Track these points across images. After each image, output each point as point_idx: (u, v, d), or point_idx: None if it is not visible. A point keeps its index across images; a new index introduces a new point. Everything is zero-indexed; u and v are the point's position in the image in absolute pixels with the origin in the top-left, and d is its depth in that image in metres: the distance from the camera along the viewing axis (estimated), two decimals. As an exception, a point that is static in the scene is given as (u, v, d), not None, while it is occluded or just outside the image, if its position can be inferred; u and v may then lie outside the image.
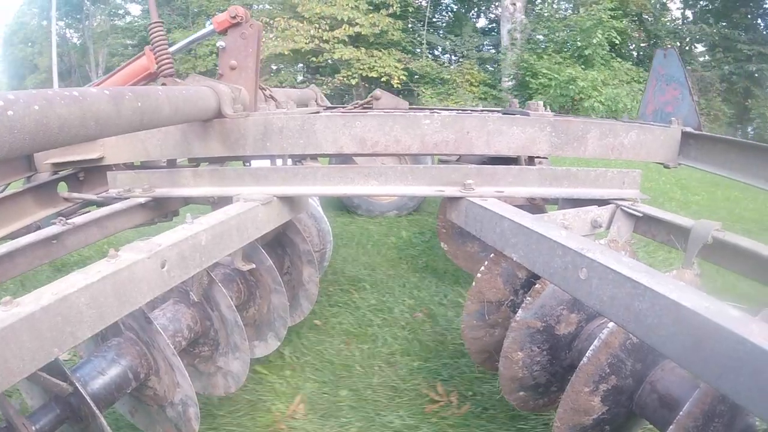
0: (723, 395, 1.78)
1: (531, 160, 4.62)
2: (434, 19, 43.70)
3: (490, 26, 46.69)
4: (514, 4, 35.12)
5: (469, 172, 3.72)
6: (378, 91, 5.50)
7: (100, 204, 4.26)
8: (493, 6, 45.65)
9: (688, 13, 42.96)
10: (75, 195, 4.49)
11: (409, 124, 3.81)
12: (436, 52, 42.53)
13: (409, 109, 5.39)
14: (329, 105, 7.37)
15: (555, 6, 40.51)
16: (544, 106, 5.48)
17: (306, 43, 33.69)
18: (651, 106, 5.25)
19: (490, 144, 3.87)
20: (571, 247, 2.49)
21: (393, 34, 35.36)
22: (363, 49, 34.64)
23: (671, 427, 2.35)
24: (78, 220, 3.75)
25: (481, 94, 34.96)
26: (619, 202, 3.74)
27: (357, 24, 33.33)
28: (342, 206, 10.70)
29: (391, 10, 34.64)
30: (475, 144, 3.86)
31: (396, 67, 34.91)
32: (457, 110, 5.68)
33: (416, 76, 36.93)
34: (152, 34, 4.71)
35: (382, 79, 35.17)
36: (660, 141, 4.16)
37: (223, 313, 3.60)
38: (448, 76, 36.24)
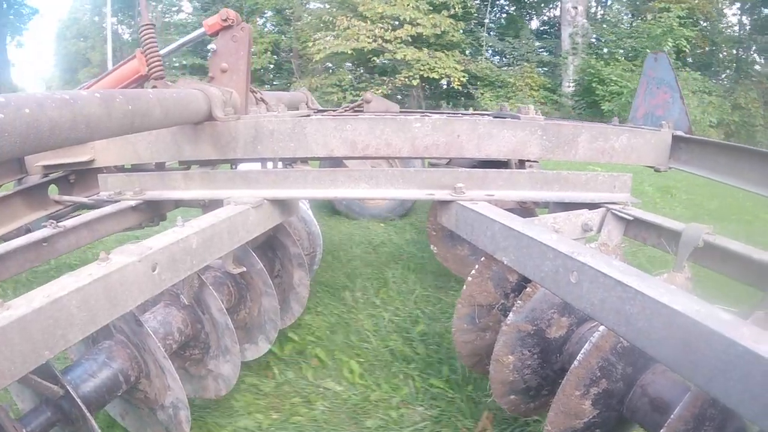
0: (714, 398, 1.78)
1: (522, 164, 4.62)
2: (488, 21, 43.12)
3: (543, 29, 46.37)
4: (576, 8, 34.95)
5: (459, 176, 3.72)
6: (369, 94, 5.50)
7: (90, 207, 4.26)
8: (547, 9, 45.51)
9: (745, 19, 42.03)
10: (66, 198, 4.49)
11: (400, 127, 3.81)
12: (492, 54, 42.04)
13: (400, 112, 5.40)
14: (320, 108, 7.37)
15: (614, 11, 40.28)
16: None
17: (369, 43, 33.32)
18: (642, 109, 5.27)
19: (480, 147, 3.88)
20: (561, 250, 2.50)
21: (453, 36, 34.95)
22: (425, 50, 34.28)
23: (662, 430, 2.35)
24: (68, 223, 3.74)
25: (541, 98, 34.69)
26: (610, 206, 3.75)
27: (419, 24, 32.91)
28: (331, 209, 10.64)
29: (452, 11, 34.31)
30: (466, 147, 3.87)
31: (456, 69, 34.59)
32: (448, 113, 5.68)
33: (476, 78, 36.42)
34: (143, 36, 4.70)
35: (442, 81, 35.05)
36: (651, 144, 4.17)
37: (214, 316, 3.59)
38: (510, 79, 35.77)
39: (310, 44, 35.57)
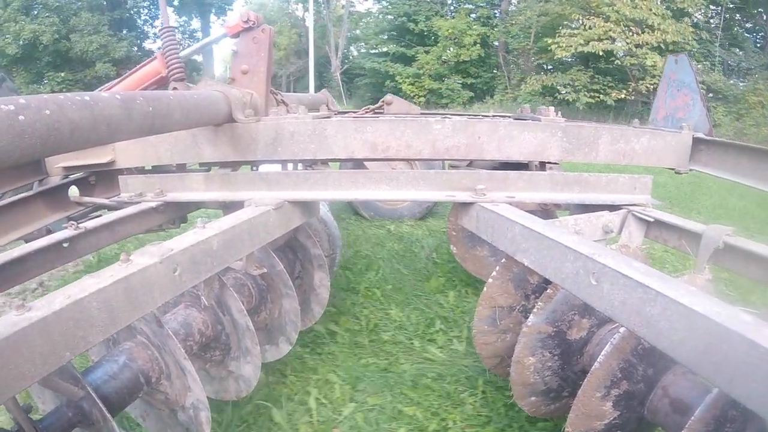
0: (735, 400, 1.78)
1: (542, 165, 4.62)
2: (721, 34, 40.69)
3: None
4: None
5: (480, 177, 3.72)
6: (389, 96, 5.51)
7: (111, 208, 4.27)
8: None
9: None
10: (86, 199, 4.51)
11: (421, 128, 3.81)
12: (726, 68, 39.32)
13: (421, 114, 5.40)
14: (340, 110, 7.37)
15: None
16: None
17: (621, 46, 32.65)
18: (662, 111, 5.25)
19: (501, 149, 3.87)
20: (582, 252, 2.50)
21: (690, 45, 33.26)
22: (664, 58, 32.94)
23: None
24: (89, 224, 3.76)
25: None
26: (631, 208, 3.74)
27: (666, 31, 31.83)
28: (351, 210, 10.66)
29: (694, 20, 33.27)
30: (486, 149, 3.86)
31: (691, 80, 33.12)
32: (468, 115, 5.68)
33: (708, 91, 34.03)
34: (164, 39, 4.73)
35: (679, 90, 34.19)
36: (671, 146, 4.16)
37: (235, 318, 3.60)
38: (746, 95, 33.13)
39: (549, 40, 34.76)
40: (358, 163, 6.37)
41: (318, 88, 26.96)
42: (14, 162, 1.92)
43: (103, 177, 4.74)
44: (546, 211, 5.06)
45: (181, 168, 4.71)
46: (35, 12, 46.15)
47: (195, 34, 62.54)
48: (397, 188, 3.76)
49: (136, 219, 4.07)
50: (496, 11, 46.75)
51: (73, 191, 4.56)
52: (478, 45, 43.51)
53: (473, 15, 46.85)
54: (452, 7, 50.33)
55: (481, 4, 47.28)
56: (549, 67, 40.83)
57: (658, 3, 32.55)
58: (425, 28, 47.89)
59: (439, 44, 45.32)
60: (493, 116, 6.28)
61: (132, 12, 55.80)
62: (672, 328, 1.97)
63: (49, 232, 4.12)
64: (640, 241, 3.73)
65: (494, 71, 46.65)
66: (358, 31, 59.94)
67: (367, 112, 5.58)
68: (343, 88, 54.56)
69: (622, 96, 33.12)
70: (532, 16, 39.25)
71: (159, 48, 5.06)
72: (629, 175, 3.90)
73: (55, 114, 2.04)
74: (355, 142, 3.84)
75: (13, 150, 1.87)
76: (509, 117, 5.77)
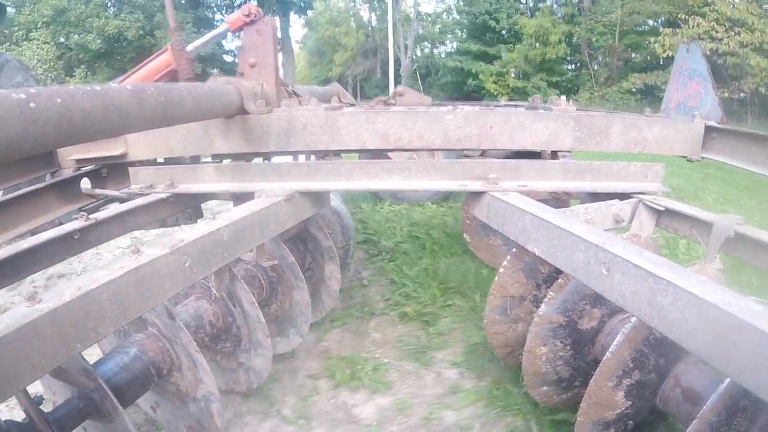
0: (746, 390, 1.77)
1: (554, 155, 4.61)
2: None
3: None
4: None
5: (492, 166, 3.72)
6: (401, 87, 5.50)
7: (122, 200, 4.28)
8: None
9: None
10: (97, 191, 4.52)
11: (432, 119, 3.80)
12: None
13: (432, 104, 5.39)
14: (352, 102, 7.36)
15: None
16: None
17: (725, 45, 31.23)
18: (674, 100, 5.22)
19: (513, 139, 3.86)
20: (593, 241, 2.50)
21: None
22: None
23: (694, 421, 2.34)
24: (100, 215, 3.78)
25: None
26: (641, 196, 3.73)
27: (762, 31, 30.55)
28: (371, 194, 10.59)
29: None
30: (498, 139, 3.85)
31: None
32: (480, 105, 5.66)
33: None
34: (172, 40, 4.75)
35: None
36: (683, 135, 4.14)
37: (246, 310, 3.61)
38: None
39: (652, 39, 34.08)
40: (378, 155, 6.35)
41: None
42: (28, 151, 1.93)
43: (115, 169, 4.75)
44: (557, 200, 5.05)
45: (194, 160, 4.71)
46: (112, 8, 46.27)
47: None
48: (409, 178, 3.76)
49: (147, 210, 4.09)
50: (578, 9, 46.48)
51: (85, 183, 4.57)
52: (564, 43, 43.56)
53: (557, 13, 46.87)
54: (529, 5, 50.38)
55: (563, 2, 47.13)
56: (643, 65, 40.28)
57: (754, 3, 31.82)
58: (506, 26, 47.88)
59: (524, 42, 45.23)
60: (505, 105, 6.26)
61: (208, 12, 56.35)
62: (683, 318, 1.97)
63: (60, 224, 4.13)
64: (651, 230, 3.72)
65: (579, 69, 46.61)
66: (421, 30, 59.68)
67: (379, 104, 5.58)
68: (422, 87, 54.68)
69: (725, 95, 32.52)
70: (620, 15, 39.01)
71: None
72: (641, 163, 3.89)
73: (66, 102, 2.05)
74: (367, 133, 3.84)
75: (26, 138, 1.89)
76: (521, 107, 5.76)
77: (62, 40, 46.66)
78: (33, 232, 3.78)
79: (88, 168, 4.64)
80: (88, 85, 2.23)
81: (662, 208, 3.59)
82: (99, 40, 45.29)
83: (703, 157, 4.24)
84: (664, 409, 2.92)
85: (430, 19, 61.64)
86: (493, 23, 48.25)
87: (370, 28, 64.13)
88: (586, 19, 44.06)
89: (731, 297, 1.85)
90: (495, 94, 44.24)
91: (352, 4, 68.85)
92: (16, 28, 45.03)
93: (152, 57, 5.81)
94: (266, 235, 3.43)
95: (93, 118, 2.19)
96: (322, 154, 4.94)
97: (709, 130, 4.17)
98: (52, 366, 1.96)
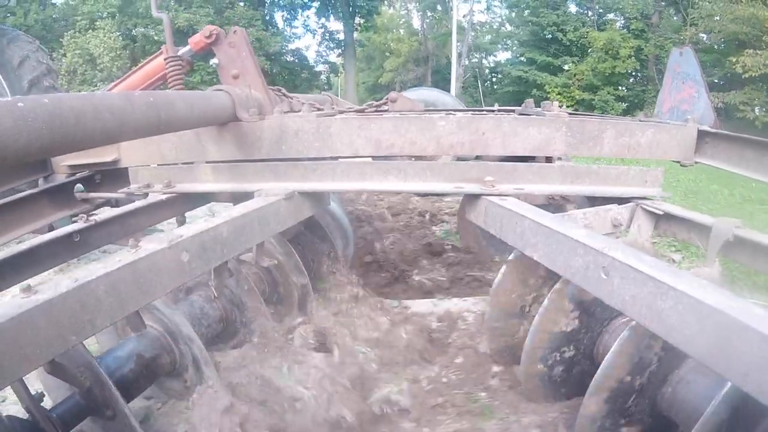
0: (748, 395, 1.77)
1: (548, 160, 4.61)
2: None
3: None
4: None
5: (488, 169, 3.73)
6: (393, 94, 5.50)
7: (118, 203, 4.29)
8: None
9: None
10: (93, 194, 4.53)
11: (425, 125, 3.81)
12: None
13: (425, 110, 5.39)
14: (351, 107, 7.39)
15: None
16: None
17: None
18: (667, 104, 5.24)
19: (505, 145, 3.86)
20: (592, 246, 2.49)
21: None
22: None
23: (696, 426, 2.34)
24: (100, 216, 3.80)
25: None
26: (640, 201, 3.74)
27: None
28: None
29: None
30: (491, 145, 3.85)
31: None
32: (473, 111, 5.66)
33: None
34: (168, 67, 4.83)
35: None
36: (676, 139, 4.14)
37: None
38: None
39: (733, 59, 34.04)
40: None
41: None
42: (23, 147, 1.96)
43: (108, 176, 4.76)
44: (555, 205, 5.06)
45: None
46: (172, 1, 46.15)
47: (336, 35, 62.68)
48: (405, 179, 3.78)
49: (147, 211, 4.11)
50: (647, 24, 46.69)
51: (80, 188, 4.57)
52: (633, 57, 43.91)
53: (625, 27, 47.42)
54: (594, 18, 50.65)
55: (633, 16, 47.25)
56: (720, 83, 40.23)
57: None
58: (574, 38, 48.14)
59: (593, 55, 45.56)
60: (498, 111, 6.27)
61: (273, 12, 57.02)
62: (683, 322, 1.96)
63: (51, 229, 4.13)
64: (649, 234, 3.73)
65: (645, 84, 46.84)
66: (473, 39, 60.11)
67: (370, 108, 5.59)
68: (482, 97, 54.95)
69: None
70: (693, 34, 39.10)
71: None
72: (640, 168, 3.91)
73: (55, 102, 2.10)
74: (360, 140, 3.84)
75: (19, 133, 1.91)
76: (513, 112, 5.76)
77: (127, 31, 47.10)
78: (27, 238, 3.77)
79: (82, 174, 4.64)
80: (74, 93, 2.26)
81: (661, 212, 3.60)
82: (167, 33, 45.08)
83: (696, 162, 4.25)
84: (666, 412, 2.91)
85: (486, 29, 62.69)
86: (560, 35, 48.63)
87: (422, 35, 64.22)
88: (655, 35, 44.24)
89: (732, 300, 1.84)
90: (560, 106, 43.86)
91: (404, 11, 69.43)
92: (79, 17, 45.51)
93: (145, 62, 5.83)
94: (266, 233, 3.46)
95: (85, 115, 2.25)
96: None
97: (702, 134, 4.18)
98: (48, 358, 1.98)
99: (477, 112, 4.61)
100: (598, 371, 2.82)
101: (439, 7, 61.59)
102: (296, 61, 58.35)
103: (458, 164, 3.77)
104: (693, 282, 2.01)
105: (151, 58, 5.95)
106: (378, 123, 3.83)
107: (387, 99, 5.45)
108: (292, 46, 57.58)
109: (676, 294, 1.99)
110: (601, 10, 50.89)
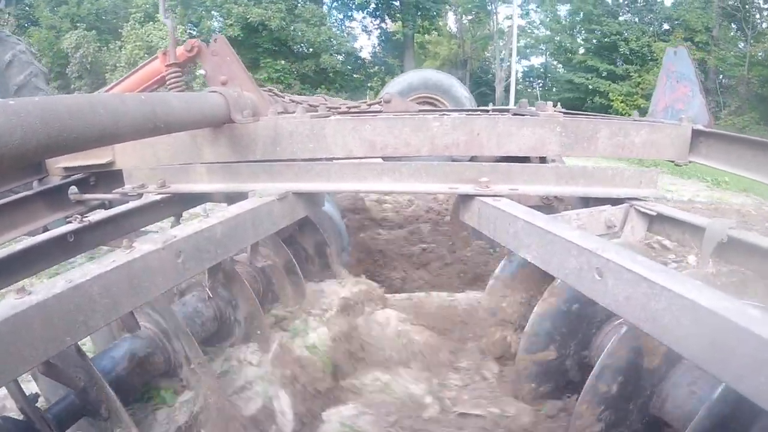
0: (743, 397, 1.76)
1: (542, 160, 4.62)
2: None
3: None
4: None
5: (483, 169, 3.72)
6: (387, 95, 5.50)
7: (112, 204, 4.29)
8: None
9: None
10: (87, 196, 4.52)
11: (419, 126, 3.81)
12: None
13: (419, 111, 5.39)
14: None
15: None
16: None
17: None
18: (662, 103, 5.25)
19: (500, 145, 3.86)
20: (585, 246, 2.48)
21: None
22: None
23: (689, 428, 2.34)
24: (93, 217, 3.79)
25: None
26: (633, 202, 3.73)
27: None
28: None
29: None
30: (486, 145, 3.85)
31: None
32: (468, 111, 5.67)
33: None
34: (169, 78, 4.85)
35: None
36: (670, 139, 4.14)
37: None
38: None
39: None
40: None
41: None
42: (18, 141, 1.97)
43: (103, 178, 4.75)
44: (549, 207, 5.06)
45: (183, 167, 4.74)
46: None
47: (394, 37, 62.40)
48: (400, 180, 3.76)
49: (142, 212, 4.10)
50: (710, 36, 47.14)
51: (74, 190, 4.57)
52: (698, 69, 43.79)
53: (688, 39, 47.32)
54: (656, 29, 51.26)
55: (695, 29, 47.66)
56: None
57: None
58: (636, 48, 48.75)
59: (659, 65, 45.57)
60: (492, 111, 6.27)
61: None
62: (678, 324, 1.96)
63: (46, 230, 4.12)
64: (643, 235, 3.72)
65: (708, 95, 46.91)
66: (501, 41, 60.29)
67: (363, 104, 5.59)
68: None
69: None
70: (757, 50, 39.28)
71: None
72: (635, 168, 3.90)
73: (47, 100, 2.15)
74: (354, 141, 3.85)
75: (14, 127, 1.92)
76: (507, 112, 5.76)
77: (191, 23, 47.65)
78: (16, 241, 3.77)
79: (76, 176, 4.63)
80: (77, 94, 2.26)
81: (654, 213, 3.60)
82: (237, 28, 45.23)
83: (690, 161, 4.25)
84: (659, 415, 2.91)
85: (534, 35, 62.92)
86: (622, 44, 49.27)
87: (461, 38, 64.26)
88: (717, 48, 44.41)
89: (727, 301, 1.84)
90: (623, 113, 44.83)
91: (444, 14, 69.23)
92: (133, 10, 45.70)
93: (142, 65, 5.85)
94: (260, 233, 3.46)
95: (79, 111, 2.28)
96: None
97: (696, 133, 4.18)
98: (42, 359, 1.98)
99: (471, 113, 4.61)
100: (591, 375, 2.83)
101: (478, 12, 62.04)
102: (353, 60, 58.94)
103: (453, 165, 3.77)
104: (687, 283, 2.00)
105: (148, 61, 5.96)
106: (372, 124, 3.83)
107: (381, 100, 5.46)
108: (350, 47, 57.94)
109: (670, 295, 1.99)
110: (662, 23, 51.75)
